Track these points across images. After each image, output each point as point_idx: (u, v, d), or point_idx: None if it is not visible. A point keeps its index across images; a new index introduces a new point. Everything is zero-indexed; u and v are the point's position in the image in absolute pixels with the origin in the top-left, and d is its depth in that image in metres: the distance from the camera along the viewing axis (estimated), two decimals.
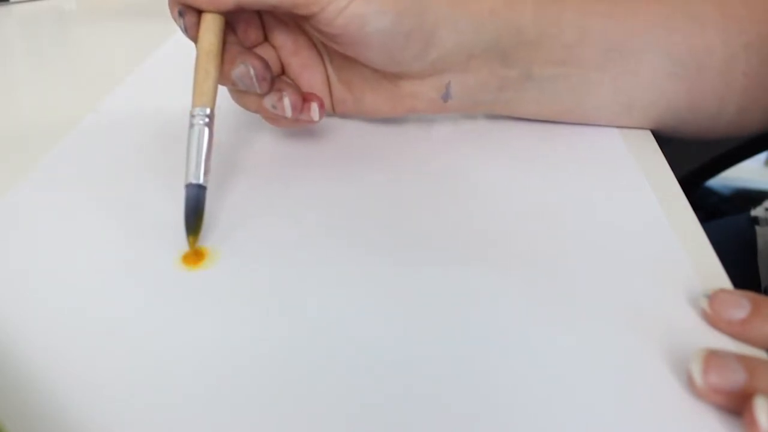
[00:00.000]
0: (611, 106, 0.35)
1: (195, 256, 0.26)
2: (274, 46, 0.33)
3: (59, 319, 0.23)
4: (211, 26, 0.29)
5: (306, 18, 0.29)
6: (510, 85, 0.34)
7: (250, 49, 0.32)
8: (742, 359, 0.21)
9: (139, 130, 0.36)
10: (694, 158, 0.64)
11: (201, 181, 0.27)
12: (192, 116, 0.28)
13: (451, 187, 0.31)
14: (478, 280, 0.25)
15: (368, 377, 0.21)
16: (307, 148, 0.35)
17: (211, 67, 0.29)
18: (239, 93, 0.32)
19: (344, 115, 0.36)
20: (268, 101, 0.31)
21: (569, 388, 0.21)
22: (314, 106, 0.31)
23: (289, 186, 0.31)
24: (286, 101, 0.30)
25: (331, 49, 0.33)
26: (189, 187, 0.27)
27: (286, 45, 0.33)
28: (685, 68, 0.34)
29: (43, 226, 0.28)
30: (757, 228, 0.48)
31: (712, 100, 0.35)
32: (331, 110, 0.35)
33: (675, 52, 0.34)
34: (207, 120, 0.28)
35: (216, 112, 0.28)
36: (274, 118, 0.32)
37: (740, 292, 0.23)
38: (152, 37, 0.50)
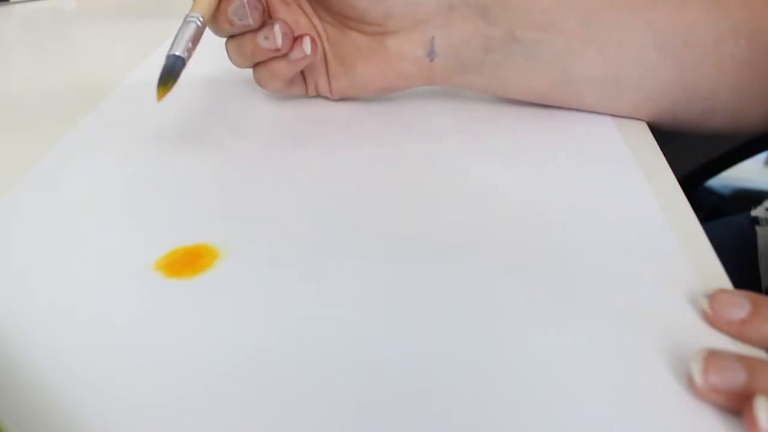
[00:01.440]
0: (600, 80, 0.36)
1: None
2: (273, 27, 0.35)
3: (59, 319, 0.23)
4: None
5: None
6: (495, 47, 0.35)
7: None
8: (742, 359, 0.21)
9: (138, 129, 0.36)
10: (694, 158, 0.64)
11: (180, 53, 0.31)
12: (186, 17, 0.32)
13: (449, 185, 0.31)
14: (477, 279, 0.25)
15: (368, 377, 0.21)
16: (304, 150, 0.35)
17: None
18: (236, 42, 0.35)
19: (341, 95, 0.38)
20: (261, 35, 0.34)
21: (568, 388, 0.21)
22: (306, 39, 0.34)
23: (287, 189, 0.31)
24: (277, 29, 0.33)
25: (326, 25, 0.36)
26: (169, 56, 0.31)
27: (284, 26, 0.35)
28: (670, 44, 0.35)
29: (43, 225, 0.28)
30: (758, 228, 0.48)
31: (702, 80, 0.36)
32: (329, 91, 0.38)
33: (659, 26, 0.35)
34: (199, 23, 0.32)
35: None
36: (268, 71, 0.35)
37: (740, 292, 0.23)
38: (152, 37, 0.50)
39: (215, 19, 0.33)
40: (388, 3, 0.34)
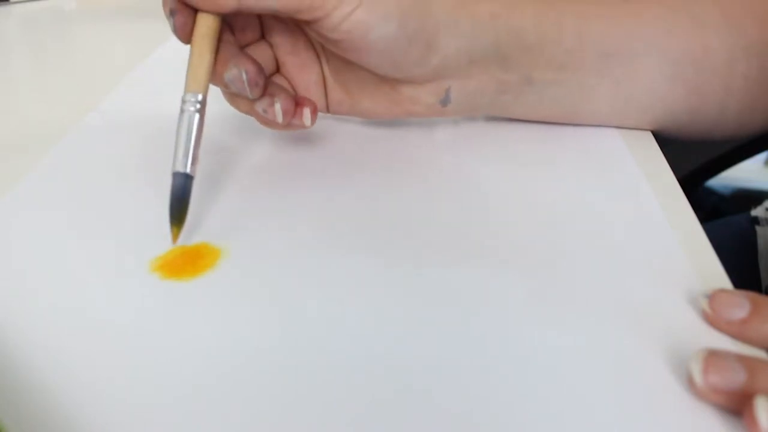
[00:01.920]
0: (608, 110, 0.35)
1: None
2: (270, 44, 0.33)
3: (59, 319, 0.23)
4: (207, 19, 0.29)
5: (309, 23, 0.29)
6: (509, 90, 0.34)
7: (244, 48, 0.32)
8: (742, 359, 0.21)
9: (138, 129, 0.36)
10: (694, 158, 0.64)
11: (188, 170, 0.27)
12: (183, 102, 0.28)
13: (451, 189, 0.31)
14: (478, 281, 0.25)
15: (368, 378, 0.21)
16: (304, 151, 0.35)
17: (206, 52, 0.28)
18: (231, 94, 0.31)
19: (339, 114, 0.36)
20: (260, 106, 0.30)
21: (569, 388, 0.21)
22: (306, 112, 0.31)
23: (287, 189, 0.31)
24: (278, 107, 0.30)
25: (329, 50, 0.33)
26: (176, 175, 0.27)
27: (284, 44, 0.33)
28: (683, 70, 0.34)
29: (43, 226, 0.28)
30: (757, 228, 0.48)
31: (711, 103, 0.35)
32: (326, 110, 0.35)
33: (674, 54, 0.34)
34: (198, 106, 0.27)
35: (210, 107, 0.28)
36: (266, 122, 0.31)
37: (740, 292, 0.23)
38: (152, 37, 0.50)
39: (213, 79, 0.30)
40: (408, 70, 0.31)
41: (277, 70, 0.34)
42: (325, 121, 0.37)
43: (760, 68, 0.35)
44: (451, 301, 0.24)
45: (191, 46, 0.28)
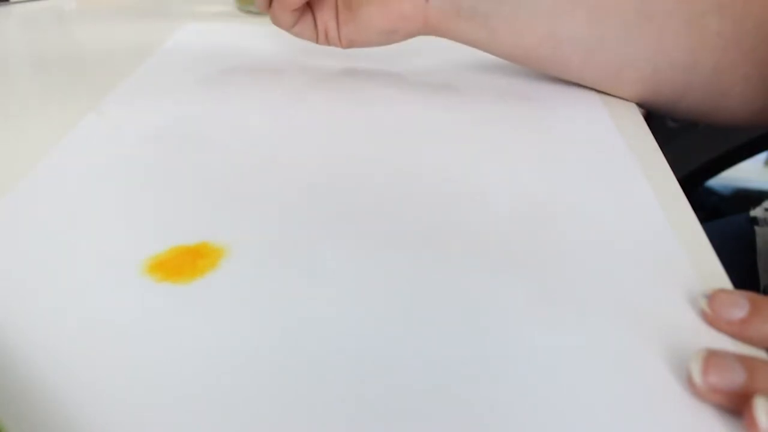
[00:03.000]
0: (585, 41, 0.38)
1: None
2: None
3: (59, 319, 0.23)
4: None
5: None
6: None
7: None
8: (741, 359, 0.21)
9: (138, 129, 0.36)
10: (694, 158, 0.64)
11: None
12: None
13: (450, 186, 0.31)
14: (477, 279, 0.25)
15: (369, 378, 0.21)
16: (301, 142, 0.35)
17: None
18: None
19: (349, 42, 0.41)
20: None
21: (568, 388, 0.21)
22: None
23: (284, 183, 0.31)
24: None
25: None
26: None
27: None
28: (654, 11, 0.36)
29: (44, 225, 0.28)
30: (757, 228, 0.48)
31: (684, 50, 0.37)
32: (338, 41, 0.41)
33: None
34: None
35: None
36: (279, 3, 0.39)
37: (739, 292, 0.23)
38: (152, 37, 0.50)
39: None
40: None
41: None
42: (325, 117, 0.37)
43: (734, 31, 0.36)
44: (450, 301, 0.24)
45: None
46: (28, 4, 0.61)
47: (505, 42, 0.39)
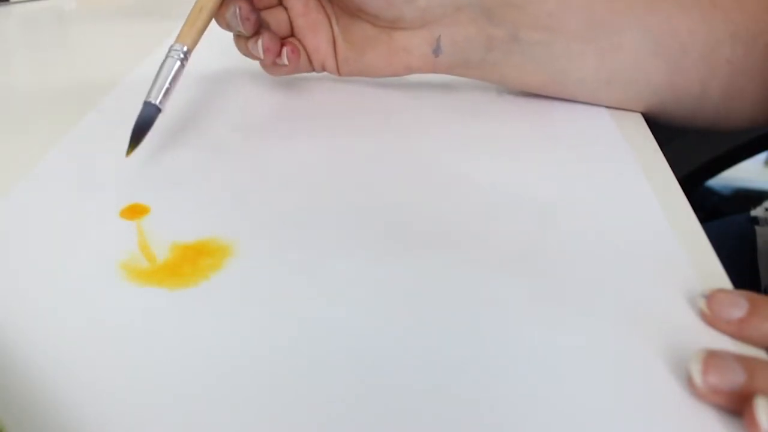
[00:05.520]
0: (593, 81, 0.37)
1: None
2: (286, 8, 0.37)
3: (59, 319, 0.23)
4: None
5: None
6: (497, 46, 0.36)
7: (261, 11, 0.37)
8: (741, 359, 0.21)
9: None
10: (694, 158, 0.64)
11: (157, 102, 0.32)
12: (171, 49, 0.33)
13: (451, 186, 0.31)
14: (477, 279, 0.25)
15: (370, 376, 0.21)
16: (302, 142, 0.35)
17: (203, 16, 0.33)
18: (237, 37, 0.37)
19: (348, 75, 0.39)
20: (250, 44, 0.36)
21: (567, 388, 0.21)
22: (284, 51, 0.37)
23: (284, 183, 0.31)
24: (260, 43, 0.36)
25: (337, 10, 0.37)
26: (146, 104, 0.32)
27: (296, 6, 0.37)
28: (666, 48, 0.35)
29: (44, 225, 0.28)
30: (757, 228, 0.48)
31: (693, 82, 0.36)
32: (336, 70, 0.39)
33: (656, 31, 0.35)
34: (182, 56, 0.33)
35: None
36: (263, 65, 0.38)
37: (738, 292, 0.23)
38: (152, 37, 0.50)
39: (217, 18, 0.35)
40: (398, 8, 0.35)
41: (292, 33, 0.38)
42: (327, 118, 0.37)
43: (745, 55, 0.36)
44: (451, 301, 0.24)
45: (194, 6, 0.34)
46: (28, 4, 0.61)
47: (515, 82, 0.39)
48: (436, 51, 0.37)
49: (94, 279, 0.25)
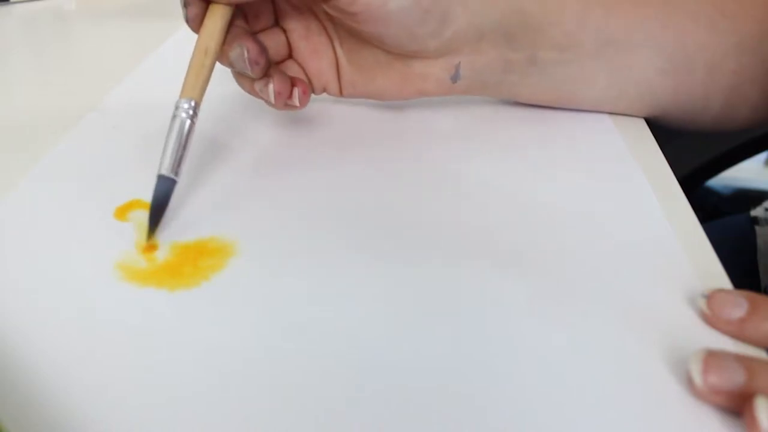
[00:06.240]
0: (602, 97, 0.37)
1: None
2: (284, 30, 0.34)
3: (59, 319, 0.23)
4: (217, 18, 0.29)
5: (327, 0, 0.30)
6: (515, 69, 0.35)
7: (258, 33, 0.33)
8: (741, 359, 0.21)
9: (138, 129, 0.36)
10: (694, 158, 0.64)
11: (172, 174, 0.28)
12: (176, 107, 0.28)
13: (451, 187, 0.31)
14: (477, 279, 0.25)
15: (370, 378, 0.21)
16: (302, 146, 0.35)
17: (207, 62, 0.29)
18: (237, 74, 0.33)
19: (351, 97, 0.36)
20: (258, 85, 0.32)
21: (567, 388, 0.21)
22: (295, 92, 0.32)
23: (285, 182, 0.31)
24: (270, 87, 0.31)
25: (342, 32, 0.34)
26: (160, 178, 0.28)
27: (297, 29, 0.34)
28: (675, 65, 0.35)
29: (44, 226, 0.28)
30: (757, 228, 0.48)
31: (698, 97, 0.36)
32: (339, 94, 0.36)
33: (669, 48, 0.35)
34: (191, 113, 0.28)
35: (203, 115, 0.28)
36: (274, 107, 0.33)
37: (738, 292, 0.23)
38: (152, 37, 0.50)
39: (219, 57, 0.31)
40: (423, 41, 0.32)
41: (290, 55, 0.35)
42: (323, 116, 0.37)
43: (750, 65, 0.35)
44: (451, 301, 0.24)
45: (193, 53, 0.29)
46: (28, 4, 0.61)
47: (527, 99, 0.38)
48: (455, 77, 0.34)
49: (94, 279, 0.25)
